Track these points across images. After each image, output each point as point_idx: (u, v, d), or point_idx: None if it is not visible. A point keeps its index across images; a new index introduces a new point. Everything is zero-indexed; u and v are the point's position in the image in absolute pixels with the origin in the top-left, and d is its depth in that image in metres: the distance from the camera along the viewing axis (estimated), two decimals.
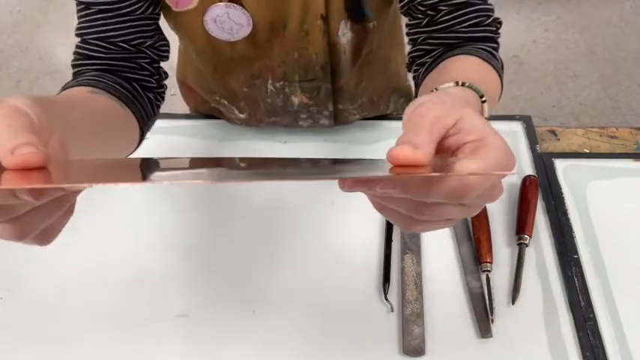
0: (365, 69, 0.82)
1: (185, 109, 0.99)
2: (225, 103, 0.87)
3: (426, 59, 0.67)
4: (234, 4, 0.69)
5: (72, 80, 0.66)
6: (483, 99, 0.50)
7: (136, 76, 0.68)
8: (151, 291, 0.70)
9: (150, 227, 0.76)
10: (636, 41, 2.41)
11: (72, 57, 0.68)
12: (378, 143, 0.86)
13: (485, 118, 0.47)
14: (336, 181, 0.40)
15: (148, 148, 0.82)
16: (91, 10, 0.67)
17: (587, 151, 0.86)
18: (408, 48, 0.72)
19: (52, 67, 2.33)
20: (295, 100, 0.82)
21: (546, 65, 2.31)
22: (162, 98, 0.73)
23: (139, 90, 0.68)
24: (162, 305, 0.69)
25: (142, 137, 0.68)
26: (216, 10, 0.69)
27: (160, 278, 0.71)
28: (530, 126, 0.88)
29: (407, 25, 0.70)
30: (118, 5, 0.65)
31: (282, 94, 0.82)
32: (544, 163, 0.83)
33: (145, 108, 0.68)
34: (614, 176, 0.81)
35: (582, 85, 2.23)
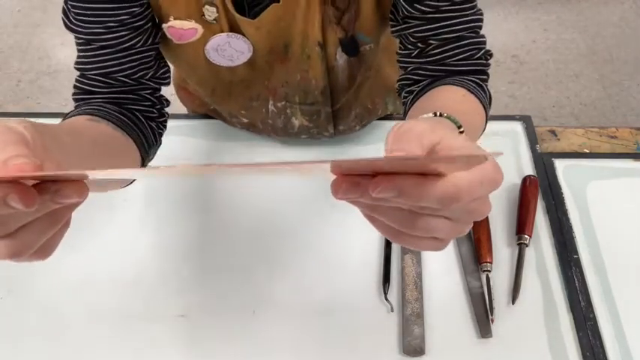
0: (363, 86, 0.82)
1: (184, 109, 0.99)
2: (228, 118, 0.88)
3: (414, 88, 0.67)
4: (236, 34, 0.69)
5: (73, 110, 0.65)
6: (461, 129, 0.50)
7: (138, 107, 0.68)
8: (151, 291, 0.70)
9: (149, 227, 0.76)
10: (636, 41, 2.41)
11: (72, 90, 0.69)
12: (379, 144, 0.86)
13: None
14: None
15: None
16: (92, 46, 0.66)
17: (587, 151, 0.86)
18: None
19: (52, 67, 2.33)
20: (296, 122, 0.82)
21: (546, 65, 2.31)
22: (165, 126, 0.73)
23: (142, 119, 0.68)
24: (162, 305, 0.69)
25: (142, 165, 0.67)
26: (218, 40, 0.70)
27: (159, 278, 0.71)
28: (530, 126, 0.88)
29: (398, 53, 0.69)
30: (119, 41, 0.65)
31: (283, 114, 0.82)
32: (544, 163, 0.83)
33: (147, 136, 0.68)
34: (614, 176, 0.81)
35: (582, 85, 2.23)
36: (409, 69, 0.68)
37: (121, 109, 0.66)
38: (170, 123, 0.85)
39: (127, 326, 0.67)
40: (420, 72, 0.67)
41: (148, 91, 0.69)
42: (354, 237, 0.75)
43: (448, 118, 0.50)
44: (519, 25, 2.47)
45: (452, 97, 0.62)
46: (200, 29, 0.68)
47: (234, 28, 0.69)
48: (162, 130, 0.72)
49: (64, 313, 0.68)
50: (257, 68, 0.75)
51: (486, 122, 0.66)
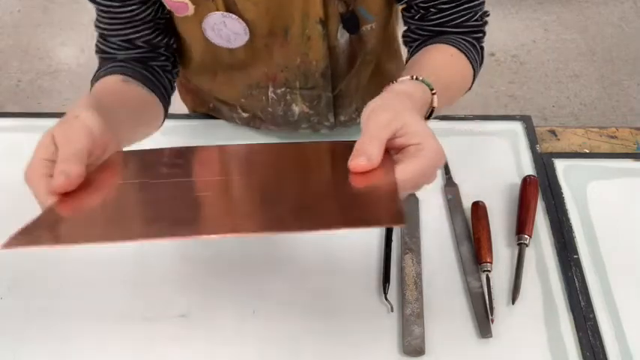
0: (364, 69, 0.82)
1: (184, 109, 0.99)
2: (228, 101, 0.87)
3: (413, 44, 0.74)
4: (231, 14, 0.70)
5: (101, 69, 0.73)
6: (433, 91, 0.59)
7: (157, 63, 0.76)
8: (151, 291, 0.70)
9: None
10: (636, 41, 2.41)
11: (94, 47, 0.75)
12: None
13: (434, 107, 0.60)
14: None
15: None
16: (110, 15, 0.71)
17: (587, 151, 0.86)
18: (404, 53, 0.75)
19: (52, 67, 2.33)
20: (296, 109, 0.82)
21: (546, 65, 2.31)
22: (177, 73, 0.81)
23: (161, 73, 0.76)
24: (162, 305, 0.69)
25: (165, 115, 0.77)
26: (213, 18, 0.71)
27: (159, 278, 0.71)
28: (530, 126, 0.88)
29: (402, 11, 0.75)
30: (133, 13, 0.70)
31: (283, 101, 0.82)
32: (544, 163, 0.83)
33: (167, 88, 0.77)
34: (614, 176, 0.81)
35: (582, 85, 2.23)
36: (410, 27, 0.75)
37: (145, 65, 0.74)
38: (170, 123, 0.86)
39: (128, 326, 0.67)
40: (419, 31, 0.73)
41: (164, 49, 0.76)
42: (354, 237, 0.75)
43: (423, 81, 0.58)
44: (519, 25, 2.47)
45: (440, 57, 0.69)
46: (190, 5, 0.70)
47: (230, 8, 0.70)
48: (175, 77, 0.80)
49: (64, 313, 0.68)
50: (256, 52, 0.75)
51: (474, 79, 0.73)
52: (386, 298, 0.68)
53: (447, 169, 0.82)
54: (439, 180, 0.81)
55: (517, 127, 0.88)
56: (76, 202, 0.51)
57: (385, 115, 0.50)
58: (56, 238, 0.51)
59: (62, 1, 2.61)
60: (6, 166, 0.84)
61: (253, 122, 0.88)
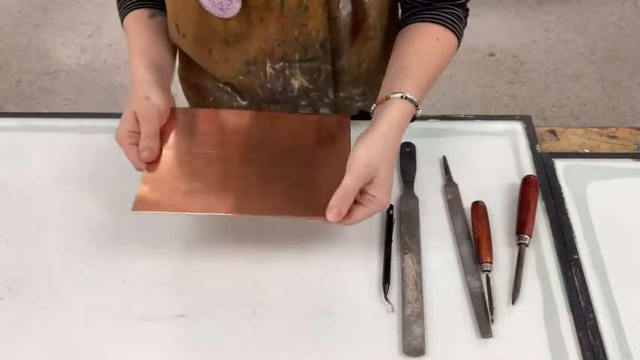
0: (365, 45, 0.82)
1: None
2: (229, 90, 0.87)
3: (406, 13, 0.80)
4: None
5: (124, 4, 0.83)
6: (418, 108, 0.71)
7: None
8: (151, 291, 0.70)
9: (149, 227, 0.76)
10: (636, 41, 2.41)
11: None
12: None
13: (416, 117, 0.73)
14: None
15: None
16: None
17: (587, 151, 0.86)
18: None
19: (52, 67, 2.33)
20: (295, 83, 0.82)
21: (546, 65, 2.31)
22: None
23: None
24: (162, 305, 0.69)
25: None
26: None
27: (159, 278, 0.71)
28: (530, 126, 0.88)
29: None
30: None
31: (282, 76, 0.82)
32: (544, 163, 0.83)
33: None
34: (614, 176, 0.81)
35: (582, 85, 2.23)
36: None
37: None
38: None
39: (128, 326, 0.67)
40: (409, 1, 0.79)
41: None
42: (354, 237, 0.75)
43: (410, 100, 0.70)
44: (519, 25, 2.46)
45: (425, 49, 0.76)
46: None
47: None
48: None
49: (64, 313, 0.68)
50: (251, 25, 0.75)
51: (459, 46, 0.80)
52: (386, 298, 0.68)
53: (447, 169, 0.82)
54: (439, 180, 0.81)
55: (517, 127, 0.88)
56: (157, 170, 0.70)
57: (366, 170, 0.65)
58: (161, 207, 0.67)
59: (62, 1, 2.61)
60: (6, 166, 0.84)
61: (254, 107, 0.87)
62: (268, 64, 0.80)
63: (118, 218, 0.77)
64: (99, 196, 0.79)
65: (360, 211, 0.65)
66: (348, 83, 0.85)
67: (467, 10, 0.81)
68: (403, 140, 0.85)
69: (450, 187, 0.80)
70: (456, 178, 0.81)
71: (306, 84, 0.82)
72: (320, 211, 0.65)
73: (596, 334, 0.65)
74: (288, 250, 0.74)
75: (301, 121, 0.78)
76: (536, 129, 0.88)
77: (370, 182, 0.65)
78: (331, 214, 0.63)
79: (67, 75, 2.30)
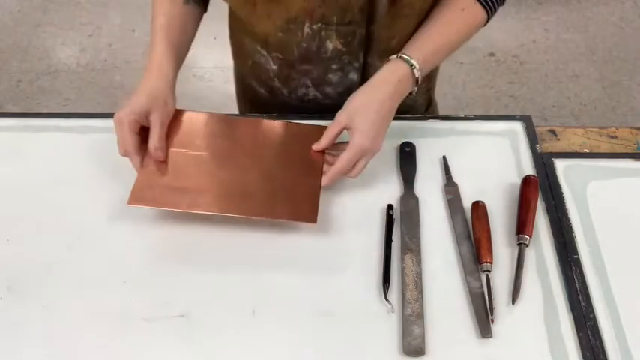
0: (399, 22, 0.83)
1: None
2: (264, 53, 0.89)
3: None
4: None
5: None
6: (413, 67, 0.77)
7: None
8: (151, 291, 0.70)
9: (149, 227, 0.76)
10: (636, 41, 2.41)
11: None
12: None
13: (417, 79, 0.78)
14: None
15: None
16: None
17: (587, 151, 0.86)
18: None
19: (52, 67, 2.33)
20: (330, 45, 0.84)
21: (546, 65, 2.31)
22: None
23: None
24: (162, 305, 0.69)
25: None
26: None
27: (159, 278, 0.71)
28: (530, 126, 0.88)
29: None
30: None
31: (317, 37, 0.83)
32: (544, 163, 0.83)
33: None
34: (614, 176, 0.81)
35: (582, 85, 2.23)
36: None
37: None
38: None
39: (128, 326, 0.67)
40: None
41: None
42: (354, 237, 0.75)
43: (406, 60, 0.77)
44: (519, 25, 2.46)
45: (447, 16, 0.81)
46: None
47: None
48: None
49: (64, 313, 0.68)
50: None
51: (490, 17, 0.83)
52: (386, 298, 0.68)
53: (447, 169, 0.82)
54: (439, 180, 0.81)
55: (517, 127, 0.88)
56: (151, 167, 0.76)
57: (343, 116, 0.76)
58: (154, 202, 0.73)
59: (62, 1, 2.61)
60: (6, 166, 0.84)
61: (283, 72, 0.89)
62: (307, 24, 0.82)
63: (118, 218, 0.77)
64: (99, 196, 0.79)
65: (343, 156, 0.74)
66: (379, 53, 0.86)
67: None
68: (403, 140, 0.85)
69: (450, 187, 0.80)
70: (456, 178, 0.81)
71: (339, 47, 0.84)
72: (295, 214, 0.73)
73: (596, 334, 0.65)
74: (288, 250, 0.74)
75: (288, 129, 0.83)
76: (536, 129, 0.88)
77: (349, 128, 0.75)
78: (316, 145, 0.78)
79: (67, 75, 2.29)
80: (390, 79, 0.77)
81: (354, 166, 0.76)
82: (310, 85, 0.90)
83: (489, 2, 0.81)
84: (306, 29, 0.82)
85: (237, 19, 0.89)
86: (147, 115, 0.76)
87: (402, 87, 0.77)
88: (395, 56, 0.78)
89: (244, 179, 0.76)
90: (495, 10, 0.83)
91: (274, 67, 0.90)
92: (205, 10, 0.90)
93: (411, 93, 0.79)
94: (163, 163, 0.76)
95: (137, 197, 0.73)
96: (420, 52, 0.78)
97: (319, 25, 0.81)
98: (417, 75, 0.77)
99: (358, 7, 0.79)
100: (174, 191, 0.74)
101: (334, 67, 0.86)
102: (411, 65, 0.77)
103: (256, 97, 0.98)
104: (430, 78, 0.99)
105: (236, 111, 1.10)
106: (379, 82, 0.77)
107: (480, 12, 0.81)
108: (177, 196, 0.73)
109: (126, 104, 0.76)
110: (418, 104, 0.99)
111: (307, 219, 0.73)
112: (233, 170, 0.77)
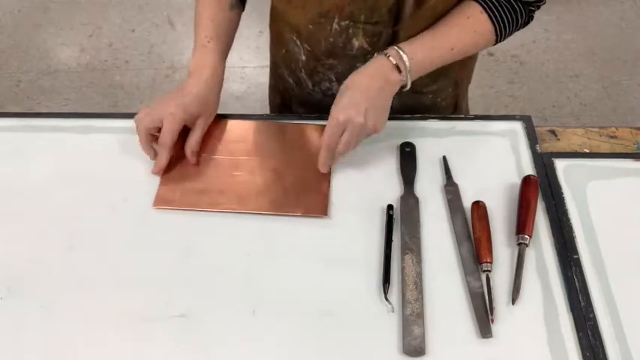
0: (420, 23, 0.83)
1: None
2: (298, 42, 0.90)
3: None
4: None
5: None
6: (391, 60, 0.78)
7: None
8: (151, 291, 0.70)
9: (149, 227, 0.76)
10: (636, 41, 2.41)
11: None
12: (378, 143, 0.85)
13: (404, 81, 0.79)
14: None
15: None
16: None
17: (587, 151, 0.86)
18: None
19: (52, 67, 2.33)
20: (356, 43, 0.85)
21: (546, 65, 2.31)
22: None
23: None
24: (162, 305, 0.69)
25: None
26: None
27: (159, 278, 0.71)
28: (530, 126, 0.88)
29: None
30: None
31: (345, 34, 0.84)
32: (544, 163, 0.83)
33: None
34: (614, 176, 0.81)
35: (582, 85, 2.23)
36: None
37: None
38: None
39: (128, 326, 0.67)
40: None
41: None
42: (354, 237, 0.75)
43: (384, 54, 0.79)
44: None
45: (450, 22, 0.82)
46: None
47: None
48: None
49: (64, 313, 0.68)
50: None
51: (500, 35, 0.85)
52: (386, 298, 0.68)
53: (447, 169, 0.82)
54: (439, 180, 0.81)
55: (517, 127, 0.88)
56: (173, 172, 0.82)
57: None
58: (178, 203, 0.78)
59: (62, 1, 2.61)
60: (6, 166, 0.84)
61: (310, 63, 0.91)
62: (336, 20, 0.83)
63: (117, 218, 0.77)
64: (99, 196, 0.79)
65: (324, 131, 0.77)
66: None
67: (528, 4, 0.83)
68: (403, 140, 0.85)
69: (450, 187, 0.80)
70: (456, 178, 0.81)
71: (365, 45, 0.85)
72: (307, 209, 0.77)
73: (596, 334, 0.65)
74: (288, 250, 0.74)
75: (295, 131, 0.88)
76: (536, 129, 0.88)
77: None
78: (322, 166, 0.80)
79: (67, 75, 2.29)
80: (370, 71, 0.79)
81: (342, 142, 0.77)
82: (334, 79, 0.92)
83: (497, 16, 0.82)
84: (335, 25, 0.83)
85: (276, 8, 0.91)
86: (195, 118, 0.81)
87: (387, 72, 0.79)
88: (382, 55, 0.79)
89: (258, 179, 0.81)
90: (507, 30, 0.84)
91: (303, 57, 0.91)
92: (243, 10, 0.92)
93: (403, 87, 0.80)
94: (184, 166, 0.82)
95: (162, 199, 0.78)
96: (410, 48, 0.79)
97: (347, 22, 0.83)
98: (407, 64, 0.78)
99: (386, 7, 0.80)
100: (196, 192, 0.79)
101: (359, 65, 0.86)
102: (387, 56, 0.78)
103: (285, 87, 1.00)
104: (458, 84, 0.99)
105: (236, 110, 1.11)
106: (362, 72, 0.79)
107: (485, 22, 0.82)
108: (199, 197, 0.78)
109: (176, 99, 0.79)
110: (440, 106, 0.99)
111: (319, 212, 0.77)
112: (247, 171, 0.82)
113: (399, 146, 0.85)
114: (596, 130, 0.89)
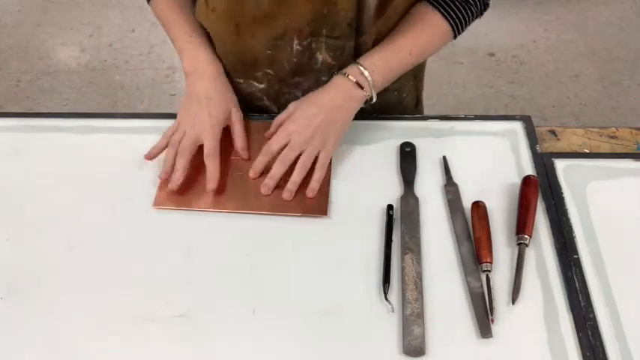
0: (383, 29, 0.83)
1: None
2: (241, 81, 0.89)
3: None
4: None
5: None
6: (348, 76, 0.80)
7: None
8: (151, 291, 0.70)
9: (149, 227, 0.76)
10: (636, 41, 2.41)
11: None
12: (378, 143, 0.86)
13: (368, 96, 0.81)
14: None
15: (147, 149, 0.82)
16: None
17: (587, 151, 0.86)
18: None
19: (52, 67, 2.33)
20: (319, 57, 0.84)
21: (546, 65, 2.31)
22: None
23: None
24: (162, 305, 0.69)
25: None
26: None
27: (159, 278, 0.71)
28: (530, 126, 0.88)
29: None
30: None
31: (308, 51, 0.83)
32: (544, 163, 0.83)
33: None
34: (614, 176, 0.81)
35: (582, 85, 2.23)
36: None
37: None
38: (172, 123, 0.85)
39: (128, 326, 0.67)
40: None
41: None
42: (354, 237, 0.75)
43: (344, 74, 0.81)
44: (519, 25, 2.46)
45: (402, 27, 0.83)
46: None
47: None
48: None
49: (64, 313, 0.68)
50: (283, 4, 0.77)
51: (458, 29, 0.85)
52: (386, 298, 0.68)
53: (447, 169, 0.82)
54: (439, 180, 0.81)
55: (517, 127, 0.88)
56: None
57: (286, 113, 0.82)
58: (177, 203, 0.78)
59: (62, 1, 2.61)
60: (6, 166, 0.84)
61: (271, 90, 0.89)
62: (296, 42, 0.82)
63: (117, 218, 0.77)
64: (99, 196, 0.79)
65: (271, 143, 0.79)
66: None
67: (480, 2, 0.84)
68: (403, 140, 0.85)
69: (450, 187, 0.80)
70: (456, 178, 0.81)
71: (329, 60, 0.84)
72: (306, 209, 0.77)
73: (596, 334, 0.65)
74: (288, 250, 0.74)
75: None
76: (536, 129, 0.88)
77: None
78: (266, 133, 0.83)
79: (67, 75, 2.30)
80: (334, 87, 0.80)
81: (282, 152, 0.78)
82: (301, 96, 0.88)
83: (450, 13, 0.83)
84: (296, 46, 0.82)
85: (222, 41, 0.87)
86: (228, 117, 0.83)
87: (349, 90, 0.80)
88: (349, 67, 0.81)
89: (258, 179, 0.80)
90: (462, 24, 0.85)
91: (261, 85, 0.89)
92: None
93: (369, 100, 0.81)
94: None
95: (162, 199, 0.78)
96: (372, 60, 0.81)
97: (309, 39, 0.81)
98: (368, 79, 0.79)
99: (347, 22, 0.79)
100: (196, 192, 0.79)
101: (324, 79, 0.86)
102: (345, 74, 0.80)
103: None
104: (417, 77, 0.99)
105: None
106: (322, 88, 0.81)
107: (439, 22, 0.83)
108: (199, 197, 0.79)
109: (202, 112, 0.81)
110: (405, 102, 0.99)
111: (318, 212, 0.77)
112: (246, 172, 0.81)
113: (399, 146, 0.85)
114: (596, 130, 0.89)
